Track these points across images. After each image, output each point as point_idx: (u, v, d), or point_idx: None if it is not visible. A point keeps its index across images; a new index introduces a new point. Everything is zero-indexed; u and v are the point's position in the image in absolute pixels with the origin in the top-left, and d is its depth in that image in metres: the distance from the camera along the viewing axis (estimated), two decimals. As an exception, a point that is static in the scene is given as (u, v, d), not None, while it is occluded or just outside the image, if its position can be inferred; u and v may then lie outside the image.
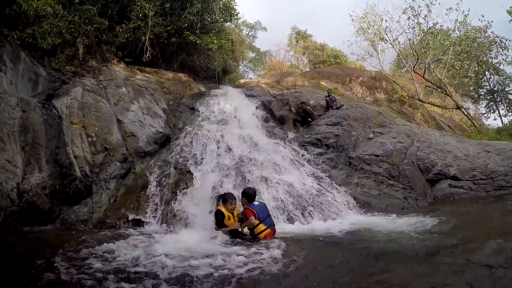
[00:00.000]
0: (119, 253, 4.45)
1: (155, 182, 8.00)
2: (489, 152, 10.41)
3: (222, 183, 7.62)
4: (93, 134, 8.41)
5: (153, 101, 12.10)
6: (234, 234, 5.59)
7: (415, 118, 20.22)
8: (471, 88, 28.80)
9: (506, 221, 5.74)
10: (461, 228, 5.47)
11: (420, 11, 20.21)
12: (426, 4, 19.83)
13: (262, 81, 22.06)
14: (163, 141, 10.21)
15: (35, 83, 9.26)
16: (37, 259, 4.13)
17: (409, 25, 21.18)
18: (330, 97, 14.56)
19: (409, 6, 20.17)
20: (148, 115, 10.84)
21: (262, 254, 4.39)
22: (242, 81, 24.46)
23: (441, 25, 20.91)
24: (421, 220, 6.27)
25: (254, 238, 5.47)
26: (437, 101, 25.05)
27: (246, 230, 5.73)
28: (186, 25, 15.84)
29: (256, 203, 5.80)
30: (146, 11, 14.59)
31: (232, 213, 5.73)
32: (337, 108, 14.03)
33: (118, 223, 6.95)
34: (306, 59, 31.19)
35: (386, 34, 21.95)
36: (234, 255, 4.30)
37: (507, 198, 8.16)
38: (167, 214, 7.05)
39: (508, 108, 26.85)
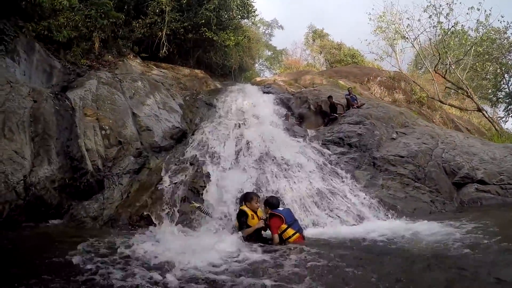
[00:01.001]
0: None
1: (170, 178, 7.55)
2: None
3: (244, 182, 7.13)
4: (106, 127, 8.07)
5: (169, 96, 11.76)
6: (258, 237, 5.12)
7: (434, 120, 19.54)
8: (489, 90, 27.81)
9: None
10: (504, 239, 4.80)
11: (442, 9, 19.42)
12: (447, 3, 19.10)
13: (279, 79, 21.62)
14: (179, 136, 9.86)
15: (49, 75, 9.01)
16: (36, 260, 3.80)
17: (431, 24, 20.30)
18: (351, 95, 14.01)
19: (431, 4, 19.39)
20: (164, 110, 10.49)
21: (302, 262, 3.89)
22: (258, 79, 24.01)
23: (462, 25, 20.14)
24: (456, 228, 5.64)
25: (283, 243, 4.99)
26: (455, 103, 24.24)
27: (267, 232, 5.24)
28: (203, 21, 15.54)
29: (280, 208, 5.35)
30: (163, 6, 14.33)
31: (256, 213, 5.24)
32: (358, 107, 13.51)
33: (130, 221, 6.55)
34: (323, 58, 30.64)
35: (407, 33, 21.17)
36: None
37: None
38: (183, 214, 6.59)
39: (528, 111, 25.77)
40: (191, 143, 9.35)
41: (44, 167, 6.51)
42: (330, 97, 13.58)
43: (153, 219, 6.44)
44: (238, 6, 17.46)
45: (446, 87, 21.94)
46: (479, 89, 28.20)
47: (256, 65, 26.44)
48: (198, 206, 6.15)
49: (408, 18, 21.52)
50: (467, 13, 19.86)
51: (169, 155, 8.80)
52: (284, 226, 5.00)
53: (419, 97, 20.59)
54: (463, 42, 20.43)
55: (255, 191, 6.38)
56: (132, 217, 6.61)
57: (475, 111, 22.18)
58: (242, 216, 5.14)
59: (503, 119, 25.71)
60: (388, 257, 4.23)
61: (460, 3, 19.08)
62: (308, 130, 12.07)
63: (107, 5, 10.85)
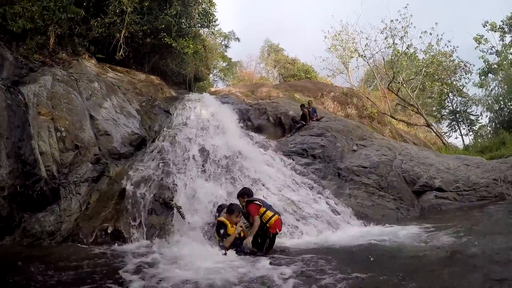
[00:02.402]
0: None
1: (134, 188, 6.91)
2: (468, 165, 10.63)
3: (214, 192, 6.80)
4: (62, 129, 7.32)
5: (126, 101, 11.12)
6: (237, 247, 4.86)
7: (384, 134, 20.48)
8: (434, 108, 29.89)
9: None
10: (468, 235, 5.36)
11: (398, 32, 20.74)
12: (402, 27, 20.41)
13: (234, 90, 21.52)
14: (139, 143, 9.27)
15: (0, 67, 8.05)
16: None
17: (387, 44, 21.60)
18: (311, 107, 14.21)
19: (388, 27, 20.60)
20: (122, 115, 9.86)
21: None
22: (212, 89, 23.77)
23: (415, 47, 21.61)
24: (424, 230, 6.14)
25: (264, 228, 5.14)
26: (403, 119, 25.69)
27: (249, 244, 5.01)
28: (163, 26, 15.05)
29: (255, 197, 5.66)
30: (124, 7, 13.67)
31: (235, 225, 4.98)
32: (318, 120, 13.74)
33: (93, 236, 5.85)
34: (277, 72, 31.11)
35: (364, 51, 22.23)
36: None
37: (490, 207, 8.34)
38: (152, 226, 6.09)
39: (469, 127, 28.10)
40: (152, 151, 8.83)
41: None
42: (302, 105, 13.98)
43: (120, 234, 5.83)
44: (200, 14, 17.18)
45: (396, 103, 23.17)
46: (424, 106, 30.24)
47: (211, 75, 26.11)
48: (179, 206, 5.87)
49: (367, 38, 22.58)
50: (420, 37, 21.51)
51: (129, 163, 8.19)
52: (262, 209, 5.23)
53: (370, 113, 21.57)
54: (415, 63, 21.78)
55: (227, 202, 6.12)
56: (96, 232, 5.93)
57: (422, 127, 23.57)
58: (221, 227, 4.87)
59: (447, 134, 27.60)
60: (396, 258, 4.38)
61: (414, 27, 20.81)
62: (270, 141, 12.01)
63: (68, -1, 10.09)
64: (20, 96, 7.09)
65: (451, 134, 29.75)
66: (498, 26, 27.13)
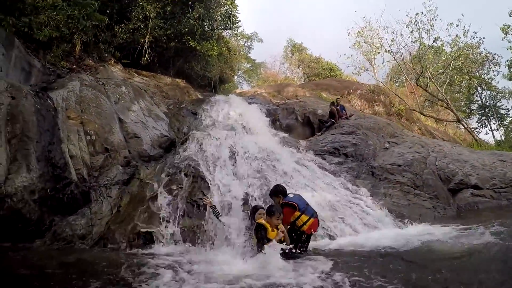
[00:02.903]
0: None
1: (165, 190, 6.79)
2: (504, 161, 10.15)
3: (249, 194, 6.55)
4: (92, 132, 7.30)
5: (153, 104, 11.12)
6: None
7: (413, 131, 19.85)
8: (462, 103, 28.81)
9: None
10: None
11: (424, 25, 20.02)
12: (428, 19, 19.69)
13: (260, 91, 21.33)
14: (168, 145, 9.19)
15: (28, 74, 8.18)
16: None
17: (413, 39, 20.90)
18: (340, 105, 13.85)
19: (413, 20, 19.92)
20: (150, 117, 9.83)
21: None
22: (238, 91, 23.67)
23: (441, 40, 20.79)
24: (468, 229, 5.86)
25: (297, 232, 4.87)
26: (432, 115, 24.85)
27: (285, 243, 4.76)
28: (186, 29, 15.08)
29: (291, 195, 5.25)
30: (147, 12, 13.76)
31: (277, 228, 4.70)
32: (347, 118, 13.35)
33: (125, 240, 5.73)
34: (301, 71, 30.73)
35: (390, 46, 21.59)
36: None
37: None
38: (184, 230, 5.91)
39: (500, 122, 26.95)
40: (182, 153, 8.70)
41: (22, 174, 5.66)
42: (332, 103, 13.78)
43: (152, 237, 5.69)
44: (222, 16, 17.14)
45: (425, 99, 22.37)
46: (453, 102, 29.30)
47: (235, 77, 26.07)
48: (213, 206, 5.48)
49: (393, 33, 21.90)
50: (446, 29, 20.65)
51: (159, 165, 8.09)
52: (297, 213, 4.92)
53: (398, 110, 20.89)
54: (442, 57, 21.00)
55: (259, 205, 5.87)
56: (128, 236, 5.79)
57: (451, 123, 22.69)
58: (260, 230, 4.58)
59: (477, 129, 26.54)
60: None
61: (440, 19, 20.00)
62: (300, 140, 11.74)
63: (91, 6, 10.15)
64: (49, 101, 7.16)
65: (481, 129, 28.64)
66: None
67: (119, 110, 8.77)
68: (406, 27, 20.53)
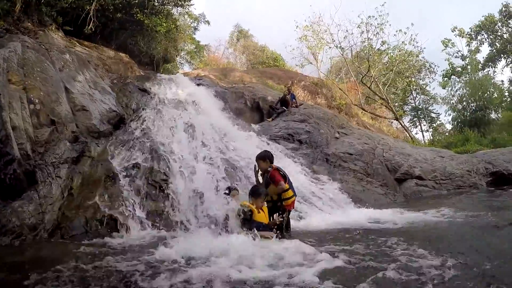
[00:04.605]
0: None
1: (123, 171, 6.20)
2: (443, 157, 11.22)
3: (214, 175, 6.25)
4: (36, 101, 6.34)
5: (98, 76, 10.19)
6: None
7: (353, 126, 20.85)
8: (396, 103, 30.89)
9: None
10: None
11: (374, 28, 21.24)
12: (378, 24, 20.89)
13: (203, 73, 20.82)
14: (117, 122, 8.45)
15: None
16: None
17: (363, 39, 22.04)
18: (291, 94, 13.94)
19: (364, 23, 21.00)
20: (96, 90, 8.95)
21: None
22: (181, 71, 22.81)
23: (388, 44, 22.16)
24: (422, 212, 6.28)
25: (278, 203, 4.78)
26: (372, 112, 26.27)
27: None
28: (136, 1, 14.05)
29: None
30: (97, -23, 12.52)
31: (261, 209, 4.51)
32: (296, 107, 13.51)
33: (86, 229, 5.04)
34: (245, 58, 30.52)
35: (341, 43, 22.46)
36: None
37: (467, 194, 9.05)
38: (149, 213, 5.43)
39: (430, 124, 29.50)
40: (134, 130, 8.12)
41: None
42: (289, 89, 14.20)
43: (117, 224, 5.08)
44: (175, -8, 16.28)
45: (366, 96, 23.56)
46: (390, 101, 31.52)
47: (178, 57, 25.05)
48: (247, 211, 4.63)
49: (346, 31, 22.61)
50: (394, 35, 22.18)
51: (110, 143, 7.42)
52: (286, 185, 4.83)
53: (339, 104, 21.70)
54: (384, 60, 22.38)
55: (233, 185, 5.64)
56: (89, 223, 5.11)
57: (385, 121, 24.20)
58: (245, 212, 4.36)
59: (408, 129, 28.72)
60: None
61: (390, 25, 21.45)
62: (252, 124, 11.61)
63: (37, -39, 8.95)
64: (-12, 60, 6.10)
65: (412, 129, 31.06)
66: (466, 33, 28.54)
67: (64, 79, 7.83)
68: (358, 27, 21.43)
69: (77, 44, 12.42)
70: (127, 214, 5.29)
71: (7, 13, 8.97)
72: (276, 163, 5.24)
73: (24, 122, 5.98)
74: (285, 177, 4.87)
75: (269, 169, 4.90)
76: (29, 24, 9.80)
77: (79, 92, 7.92)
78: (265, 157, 5.02)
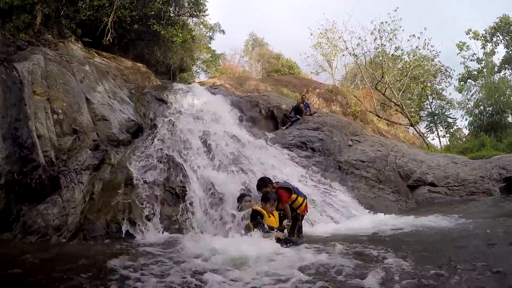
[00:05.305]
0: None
1: (141, 177, 6.48)
2: (456, 163, 11.06)
3: (230, 181, 6.49)
4: (59, 111, 6.73)
5: (117, 86, 10.58)
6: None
7: (367, 133, 20.82)
8: (413, 109, 30.59)
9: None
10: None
11: (387, 35, 21.26)
12: (391, 29, 20.92)
13: (219, 82, 21.14)
14: (135, 131, 8.79)
15: None
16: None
17: (376, 46, 22.08)
18: (304, 103, 14.10)
19: (377, 29, 21.06)
20: (115, 100, 9.34)
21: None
22: (197, 80, 23.23)
23: (402, 49, 22.09)
24: (434, 219, 6.28)
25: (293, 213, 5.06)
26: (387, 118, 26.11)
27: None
28: (152, 13, 14.47)
29: (281, 181, 5.52)
30: (113, -11, 13.01)
31: (272, 214, 4.73)
32: (310, 115, 13.65)
33: (106, 231, 5.36)
34: (260, 66, 30.85)
35: (354, 50, 22.53)
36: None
37: (479, 200, 8.87)
38: (166, 218, 5.72)
39: (446, 129, 29.00)
40: (152, 139, 8.40)
41: None
42: (302, 98, 14.27)
43: (140, 226, 5.41)
44: (190, 3, 16.67)
45: (381, 103, 23.46)
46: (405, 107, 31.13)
47: (194, 67, 25.50)
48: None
49: (359, 38, 22.70)
50: (408, 40, 21.98)
51: (129, 151, 7.71)
52: (294, 196, 5.15)
53: (354, 111, 21.70)
54: (399, 65, 22.27)
55: (245, 191, 5.86)
56: (110, 225, 5.43)
57: (402, 127, 24.03)
58: (257, 216, 4.57)
59: (425, 135, 28.34)
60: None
61: (403, 30, 21.42)
62: (266, 133, 11.82)
63: (55, -25, 9.42)
64: (15, 72, 6.47)
65: (428, 135, 30.63)
66: (480, 35, 28.17)
67: (85, 90, 8.22)
68: (371, 34, 21.48)
69: (96, 55, 12.89)
70: (145, 218, 5.58)
71: (28, 26, 9.41)
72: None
73: (49, 131, 6.35)
74: (289, 189, 5.09)
75: (273, 190, 5.16)
76: (49, 36, 10.25)
77: (99, 103, 8.28)
78: (265, 183, 5.27)
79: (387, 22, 21.31)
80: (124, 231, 5.36)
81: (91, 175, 6.48)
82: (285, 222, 4.90)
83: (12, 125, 5.72)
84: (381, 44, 21.38)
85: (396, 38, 21.25)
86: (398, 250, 3.92)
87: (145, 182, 6.38)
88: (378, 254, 3.75)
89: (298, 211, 5.13)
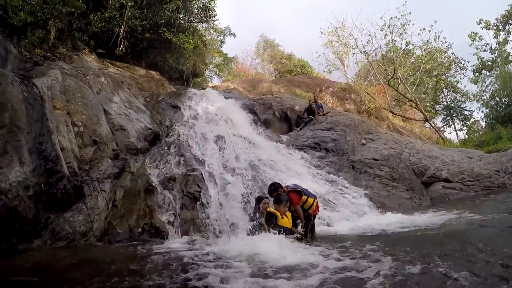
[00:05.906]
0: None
1: (160, 183, 6.78)
2: (471, 158, 10.94)
3: (247, 185, 6.73)
4: (80, 124, 7.03)
5: (132, 96, 10.89)
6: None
7: (382, 129, 20.67)
8: (428, 103, 30.21)
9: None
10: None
11: (397, 29, 21.14)
12: (401, 24, 20.75)
13: (232, 86, 21.38)
14: (152, 139, 9.04)
15: (4, 60, 7.62)
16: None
17: (386, 41, 21.98)
18: (317, 103, 14.18)
19: (387, 25, 20.93)
20: (132, 109, 9.63)
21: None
22: (210, 85, 23.54)
23: (413, 44, 21.88)
24: (448, 216, 6.29)
25: (305, 214, 5.27)
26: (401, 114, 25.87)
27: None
28: (163, 21, 14.77)
29: (290, 184, 5.71)
30: (124, 1, 13.35)
31: (285, 215, 4.92)
32: (323, 115, 13.72)
33: (130, 235, 5.69)
34: (273, 67, 31.02)
35: (365, 48, 22.44)
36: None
37: (493, 195, 8.72)
38: (186, 222, 5.99)
39: (463, 122, 28.61)
40: (169, 146, 8.65)
41: (15, 168, 5.28)
42: (315, 98, 14.34)
43: (158, 231, 5.71)
44: (199, 9, 16.94)
45: (395, 99, 23.29)
46: (419, 102, 30.73)
47: (207, 71, 25.85)
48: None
49: (369, 35, 22.62)
50: (418, 34, 21.93)
51: (147, 158, 8.00)
52: (304, 197, 5.33)
53: (368, 108, 21.62)
54: (413, 60, 22.06)
55: (263, 194, 6.05)
56: (133, 230, 5.76)
57: (417, 122, 23.78)
58: (271, 217, 4.77)
59: (441, 129, 27.93)
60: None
61: (413, 24, 21.26)
62: (280, 135, 11.96)
63: (68, -9, 9.75)
64: (35, 89, 6.78)
65: (445, 129, 30.20)
66: (492, 24, 27.60)
67: (102, 101, 8.52)
68: (380, 30, 21.39)
69: (110, 65, 13.25)
70: (165, 222, 5.86)
71: (43, 41, 9.77)
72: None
73: (71, 143, 6.65)
74: (299, 191, 5.28)
75: (287, 191, 5.36)
76: (63, 49, 10.61)
77: (117, 113, 8.56)
78: (276, 188, 5.41)
79: (396, 17, 21.25)
80: (146, 235, 5.66)
81: (112, 183, 6.77)
82: (299, 228, 5.09)
83: (36, 140, 6.00)
84: (392, 40, 21.24)
85: (405, 33, 21.10)
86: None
87: (164, 188, 6.64)
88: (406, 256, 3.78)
89: (309, 211, 5.33)
